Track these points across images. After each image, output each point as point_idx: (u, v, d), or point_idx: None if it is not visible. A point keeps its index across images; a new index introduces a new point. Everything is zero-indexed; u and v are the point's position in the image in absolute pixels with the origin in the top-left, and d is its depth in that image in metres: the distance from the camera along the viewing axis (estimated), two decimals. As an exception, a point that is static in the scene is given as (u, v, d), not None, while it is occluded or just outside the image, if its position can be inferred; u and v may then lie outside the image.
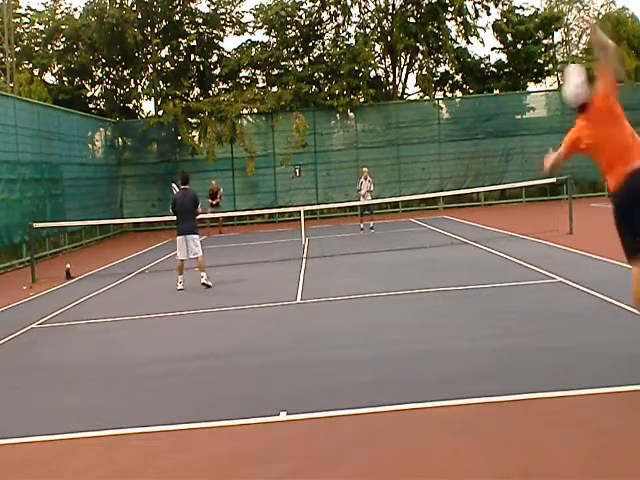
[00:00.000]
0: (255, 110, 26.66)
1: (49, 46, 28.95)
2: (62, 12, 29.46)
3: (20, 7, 28.63)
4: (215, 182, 23.84)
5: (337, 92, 26.50)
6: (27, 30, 29.37)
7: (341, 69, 26.82)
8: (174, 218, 12.68)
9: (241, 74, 29.40)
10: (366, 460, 4.44)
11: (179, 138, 26.99)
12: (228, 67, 28.41)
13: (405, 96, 29.73)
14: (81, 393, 6.45)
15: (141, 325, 9.39)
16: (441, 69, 29.43)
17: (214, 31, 29.19)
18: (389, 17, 28.61)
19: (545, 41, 28.66)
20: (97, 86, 29.93)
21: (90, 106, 29.31)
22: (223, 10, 29.20)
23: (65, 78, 29.11)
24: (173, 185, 13.45)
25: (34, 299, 12.21)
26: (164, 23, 28.42)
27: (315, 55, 29.02)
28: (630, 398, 5.14)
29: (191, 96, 29.33)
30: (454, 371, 6.09)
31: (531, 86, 29.83)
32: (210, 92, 29.51)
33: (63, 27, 28.66)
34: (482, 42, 28.93)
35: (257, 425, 5.20)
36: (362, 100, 27.09)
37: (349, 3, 27.82)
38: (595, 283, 9.24)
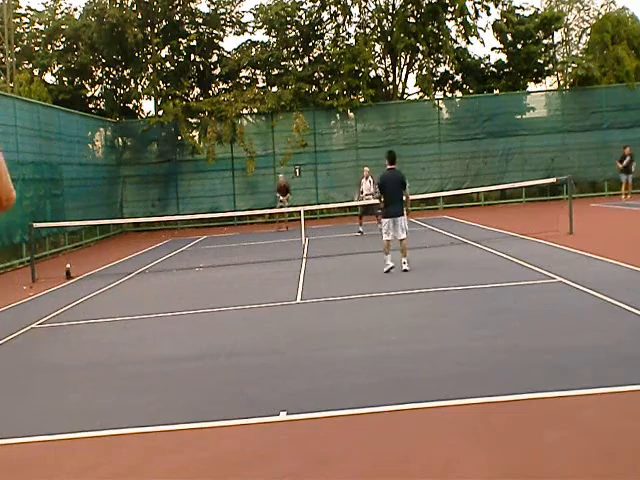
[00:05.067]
0: (255, 110, 26.63)
1: (49, 46, 28.93)
2: (62, 12, 29.43)
3: (20, 7, 28.59)
4: (282, 176, 23.76)
5: (337, 92, 26.47)
6: (27, 30, 29.33)
7: (341, 69, 26.80)
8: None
9: (241, 74, 29.38)
10: (366, 460, 4.44)
11: (179, 138, 26.98)
12: (228, 67, 28.39)
13: (405, 96, 29.70)
14: (81, 393, 6.45)
15: (141, 325, 9.38)
16: (441, 69, 29.42)
17: (214, 31, 29.17)
18: (389, 17, 28.58)
19: (545, 41, 28.61)
20: (97, 86, 29.90)
21: (90, 106, 29.27)
22: (223, 10, 29.17)
23: (65, 78, 29.07)
24: None
25: (34, 299, 12.21)
26: (164, 23, 28.40)
27: (315, 55, 28.99)
28: (630, 398, 5.14)
29: (191, 96, 29.30)
30: (454, 371, 6.09)
31: (531, 86, 29.84)
32: (210, 92, 29.48)
33: (63, 27, 28.63)
34: (482, 42, 28.93)
35: (257, 425, 5.20)
36: (362, 100, 27.07)
37: (349, 3, 27.81)
38: (595, 283, 9.24)
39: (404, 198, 11.73)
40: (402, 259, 11.58)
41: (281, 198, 22.50)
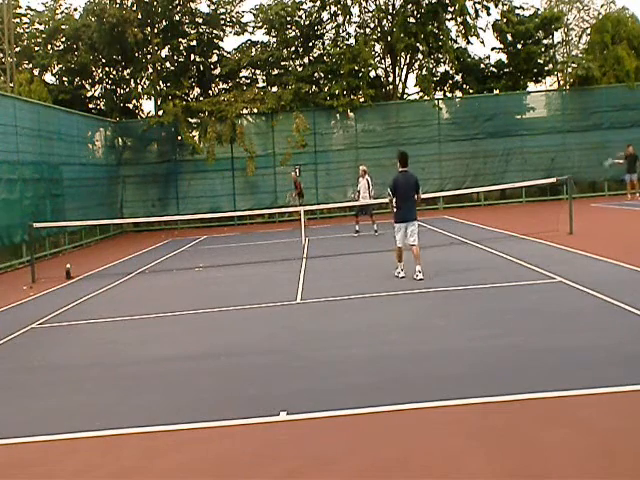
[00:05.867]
0: (255, 110, 26.64)
1: (49, 46, 28.92)
2: (62, 12, 29.43)
3: (20, 7, 28.58)
4: (294, 173, 23.98)
5: (337, 92, 26.46)
6: (27, 30, 29.31)
7: (341, 69, 26.79)
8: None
9: (241, 74, 29.39)
10: (366, 460, 4.44)
11: (179, 138, 26.98)
12: (228, 67, 28.39)
13: (405, 96, 29.70)
14: (81, 393, 6.45)
15: (141, 325, 9.39)
16: (441, 69, 29.42)
17: (214, 31, 29.17)
18: (389, 17, 28.59)
19: (545, 41, 28.60)
20: (97, 86, 29.90)
21: (90, 106, 29.27)
22: (223, 10, 29.17)
23: (65, 78, 29.07)
24: None
25: (34, 299, 12.21)
26: (164, 23, 28.40)
27: (315, 55, 28.98)
28: (630, 398, 5.14)
29: (191, 96, 29.31)
30: (454, 371, 6.10)
31: (531, 86, 29.83)
32: (210, 92, 29.50)
33: (63, 27, 28.63)
34: (482, 42, 28.93)
35: (257, 425, 5.20)
36: (362, 100, 27.07)
37: (349, 3, 27.80)
38: (595, 283, 9.24)
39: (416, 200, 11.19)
40: (416, 267, 10.87)
41: (293, 194, 22.90)
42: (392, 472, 4.26)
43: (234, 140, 26.24)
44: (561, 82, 30.16)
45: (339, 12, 28.07)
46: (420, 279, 10.71)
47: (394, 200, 11.19)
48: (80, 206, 21.48)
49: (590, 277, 9.77)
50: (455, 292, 9.64)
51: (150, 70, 28.57)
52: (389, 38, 28.35)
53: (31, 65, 28.77)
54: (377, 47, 29.08)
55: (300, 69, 28.41)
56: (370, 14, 28.69)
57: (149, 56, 28.38)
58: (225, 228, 25.12)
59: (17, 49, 27.24)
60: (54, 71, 29.16)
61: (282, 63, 28.78)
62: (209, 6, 29.05)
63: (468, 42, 28.32)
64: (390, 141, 26.47)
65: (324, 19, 28.79)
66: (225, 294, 11.25)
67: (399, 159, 11.30)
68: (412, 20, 28.01)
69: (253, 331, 8.43)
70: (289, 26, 28.36)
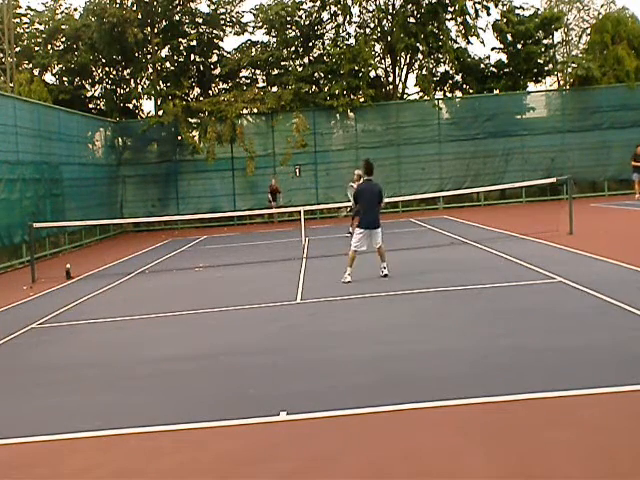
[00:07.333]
0: (255, 110, 26.65)
1: (49, 46, 28.93)
2: (62, 12, 29.46)
3: (20, 7, 28.61)
4: (274, 181, 25.09)
5: (337, 92, 26.47)
6: (27, 30, 29.34)
7: (341, 69, 26.80)
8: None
9: (241, 74, 29.41)
10: (366, 460, 4.44)
11: (179, 138, 26.99)
12: (228, 67, 28.41)
13: (405, 96, 29.70)
14: (81, 393, 6.45)
15: (141, 325, 9.38)
16: (441, 69, 29.42)
17: (214, 31, 29.19)
18: (389, 17, 28.59)
19: (545, 41, 28.61)
20: (97, 86, 29.93)
21: (90, 106, 29.29)
22: (223, 10, 29.20)
23: (65, 78, 29.09)
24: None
25: (34, 299, 12.21)
26: (164, 23, 28.43)
27: (315, 55, 28.99)
28: (630, 398, 5.14)
29: (191, 96, 29.33)
30: (454, 371, 6.09)
31: (531, 86, 29.85)
32: (210, 92, 29.51)
33: (63, 27, 28.65)
34: (482, 42, 28.93)
35: (257, 425, 5.20)
36: (362, 100, 27.07)
37: (349, 3, 27.80)
38: (595, 283, 9.24)
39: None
40: (381, 264, 11.34)
41: (271, 199, 24.72)
42: (392, 472, 4.26)
43: (234, 140, 26.26)
44: (561, 82, 30.17)
45: (339, 12, 28.07)
46: (385, 275, 11.19)
47: (358, 207, 11.50)
48: (80, 206, 21.48)
49: (590, 277, 9.77)
50: (455, 292, 9.64)
51: (150, 70, 28.59)
52: (389, 38, 28.36)
53: (31, 65, 28.78)
54: (377, 47, 29.10)
55: (300, 69, 28.41)
56: (370, 14, 28.70)
57: (149, 56, 28.39)
58: (225, 228, 25.12)
59: (17, 49, 27.26)
60: (54, 71, 29.19)
61: (282, 63, 28.79)
62: (209, 6, 29.07)
63: (468, 42, 28.33)
64: (390, 141, 26.48)
65: (324, 19, 28.81)
66: (225, 294, 11.24)
67: (364, 168, 11.43)
68: (412, 20, 28.03)
69: (253, 331, 8.43)
70: (289, 26, 28.36)
